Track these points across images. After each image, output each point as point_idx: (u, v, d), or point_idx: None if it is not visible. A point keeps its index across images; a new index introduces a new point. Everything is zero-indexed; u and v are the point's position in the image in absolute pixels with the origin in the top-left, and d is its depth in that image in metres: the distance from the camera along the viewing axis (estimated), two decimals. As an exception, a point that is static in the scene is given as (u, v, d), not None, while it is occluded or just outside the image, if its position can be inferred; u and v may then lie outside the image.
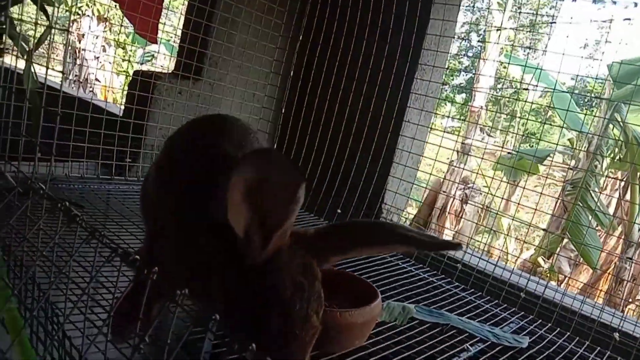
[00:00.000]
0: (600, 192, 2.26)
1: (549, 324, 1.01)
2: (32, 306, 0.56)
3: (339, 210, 1.33)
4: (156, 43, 1.40)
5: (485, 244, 1.34)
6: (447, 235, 4.32)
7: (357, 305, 0.71)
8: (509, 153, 2.70)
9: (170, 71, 1.47)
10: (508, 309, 1.05)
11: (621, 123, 2.47)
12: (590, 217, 2.09)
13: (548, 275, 3.50)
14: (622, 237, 2.77)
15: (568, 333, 0.99)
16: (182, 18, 1.49)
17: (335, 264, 0.89)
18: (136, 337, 0.50)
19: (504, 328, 0.95)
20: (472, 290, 1.11)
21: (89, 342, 0.47)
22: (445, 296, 1.05)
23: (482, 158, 1.97)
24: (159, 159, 0.75)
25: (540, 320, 1.02)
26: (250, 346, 0.40)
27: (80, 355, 0.51)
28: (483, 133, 5.87)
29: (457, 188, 4.47)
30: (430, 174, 1.41)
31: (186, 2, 1.49)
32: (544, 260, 3.67)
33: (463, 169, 4.40)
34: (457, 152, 4.75)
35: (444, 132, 1.55)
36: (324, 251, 0.56)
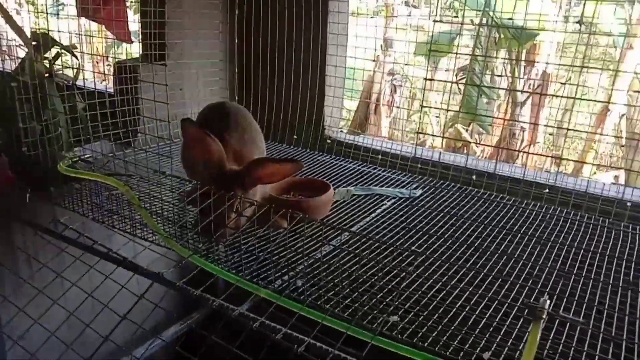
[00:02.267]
0: (483, 74, 2.87)
1: (442, 181, 1.65)
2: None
3: (295, 136, 1.90)
4: (132, 42, 1.82)
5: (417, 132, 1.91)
6: (384, 127, 4.98)
7: (319, 195, 1.31)
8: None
9: (140, 58, 1.90)
10: (414, 177, 1.68)
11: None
12: (479, 93, 2.72)
13: (465, 145, 4.22)
14: (509, 102, 3.48)
15: (452, 183, 1.63)
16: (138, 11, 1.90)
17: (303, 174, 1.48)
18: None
19: (407, 188, 1.57)
20: (393, 170, 1.73)
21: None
22: (371, 179, 1.66)
23: (406, 52, 2.48)
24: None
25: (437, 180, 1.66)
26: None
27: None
28: (409, 7, 6.28)
29: (384, 80, 5.05)
30: (360, 69, 1.97)
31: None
32: (465, 129, 4.40)
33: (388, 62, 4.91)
34: (381, 45, 5.27)
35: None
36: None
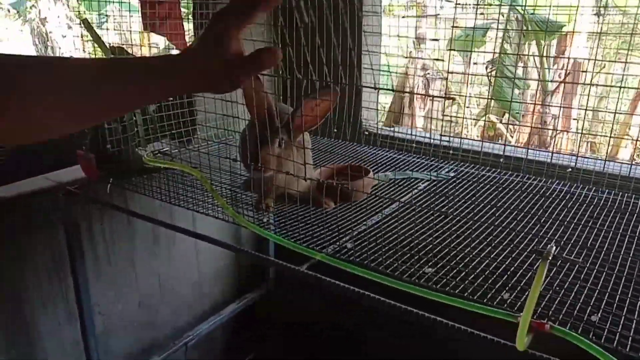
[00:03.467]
0: (516, 65, 2.99)
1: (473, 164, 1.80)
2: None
3: (335, 130, 2.08)
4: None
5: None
6: (419, 117, 5.12)
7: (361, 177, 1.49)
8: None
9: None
10: (447, 162, 1.83)
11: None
12: (508, 85, 2.84)
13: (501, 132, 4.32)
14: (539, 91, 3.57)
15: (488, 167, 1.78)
16: None
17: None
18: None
19: (441, 172, 1.73)
20: (427, 156, 1.89)
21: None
22: (406, 165, 1.83)
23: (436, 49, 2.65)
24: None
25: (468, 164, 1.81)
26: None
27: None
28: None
29: (416, 75, 5.17)
30: (395, 72, 2.14)
31: None
32: (498, 120, 4.49)
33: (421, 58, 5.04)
34: (414, 41, 5.40)
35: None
36: None
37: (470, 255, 1.02)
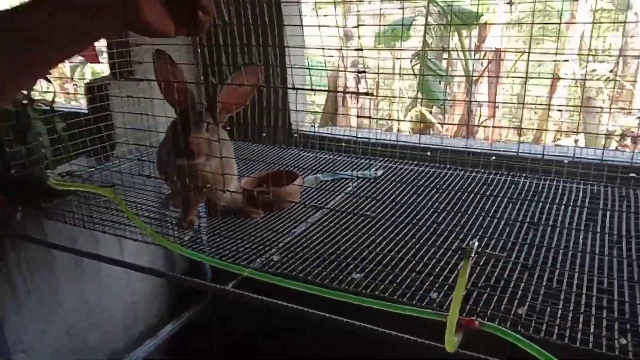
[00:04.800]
0: (442, 58, 3.05)
1: (401, 160, 1.80)
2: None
3: (264, 134, 2.03)
4: (99, 62, 1.93)
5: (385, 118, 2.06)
6: (354, 117, 5.14)
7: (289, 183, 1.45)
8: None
9: (111, 75, 2.01)
10: (375, 159, 1.82)
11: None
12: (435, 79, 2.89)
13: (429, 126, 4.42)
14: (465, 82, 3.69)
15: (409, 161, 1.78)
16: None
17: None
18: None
19: (369, 170, 1.72)
20: (356, 155, 1.88)
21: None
22: (337, 165, 1.81)
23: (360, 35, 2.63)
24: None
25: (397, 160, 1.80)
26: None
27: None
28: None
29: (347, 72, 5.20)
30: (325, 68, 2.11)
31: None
32: (429, 111, 4.59)
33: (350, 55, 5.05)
34: (341, 37, 5.42)
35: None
36: None
37: (397, 257, 1.01)
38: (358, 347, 1.95)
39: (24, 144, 1.39)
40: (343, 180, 1.62)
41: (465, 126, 3.72)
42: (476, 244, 0.80)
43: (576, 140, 4.58)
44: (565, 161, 1.56)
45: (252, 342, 2.41)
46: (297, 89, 1.83)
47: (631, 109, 3.89)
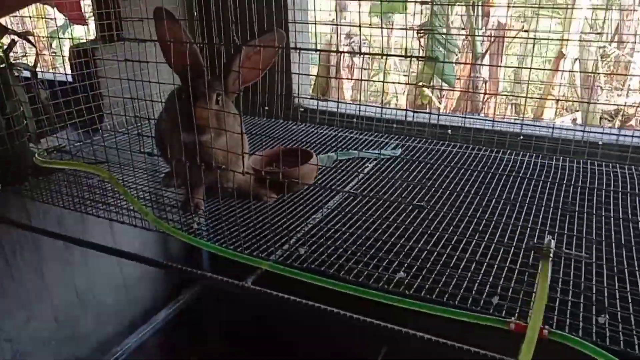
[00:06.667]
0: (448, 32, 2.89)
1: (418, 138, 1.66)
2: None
3: (266, 108, 1.87)
4: (87, 24, 1.74)
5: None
6: (347, 89, 4.96)
7: (303, 163, 1.30)
8: None
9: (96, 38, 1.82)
10: (389, 137, 1.68)
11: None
12: (441, 49, 2.73)
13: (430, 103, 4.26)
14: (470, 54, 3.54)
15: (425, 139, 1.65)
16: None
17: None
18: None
19: (386, 149, 1.58)
20: (365, 132, 1.73)
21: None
22: (347, 143, 1.67)
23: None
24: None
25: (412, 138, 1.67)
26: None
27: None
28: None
29: (342, 44, 5.00)
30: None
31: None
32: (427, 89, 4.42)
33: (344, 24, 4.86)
34: (335, 10, 5.20)
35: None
36: None
37: (449, 252, 0.88)
38: (358, 344, 1.88)
39: (2, 115, 1.22)
40: (359, 159, 1.48)
41: (467, 101, 3.59)
42: (552, 241, 0.68)
43: (574, 120, 4.49)
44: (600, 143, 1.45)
45: (249, 327, 2.30)
46: (300, 49, 1.67)
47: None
